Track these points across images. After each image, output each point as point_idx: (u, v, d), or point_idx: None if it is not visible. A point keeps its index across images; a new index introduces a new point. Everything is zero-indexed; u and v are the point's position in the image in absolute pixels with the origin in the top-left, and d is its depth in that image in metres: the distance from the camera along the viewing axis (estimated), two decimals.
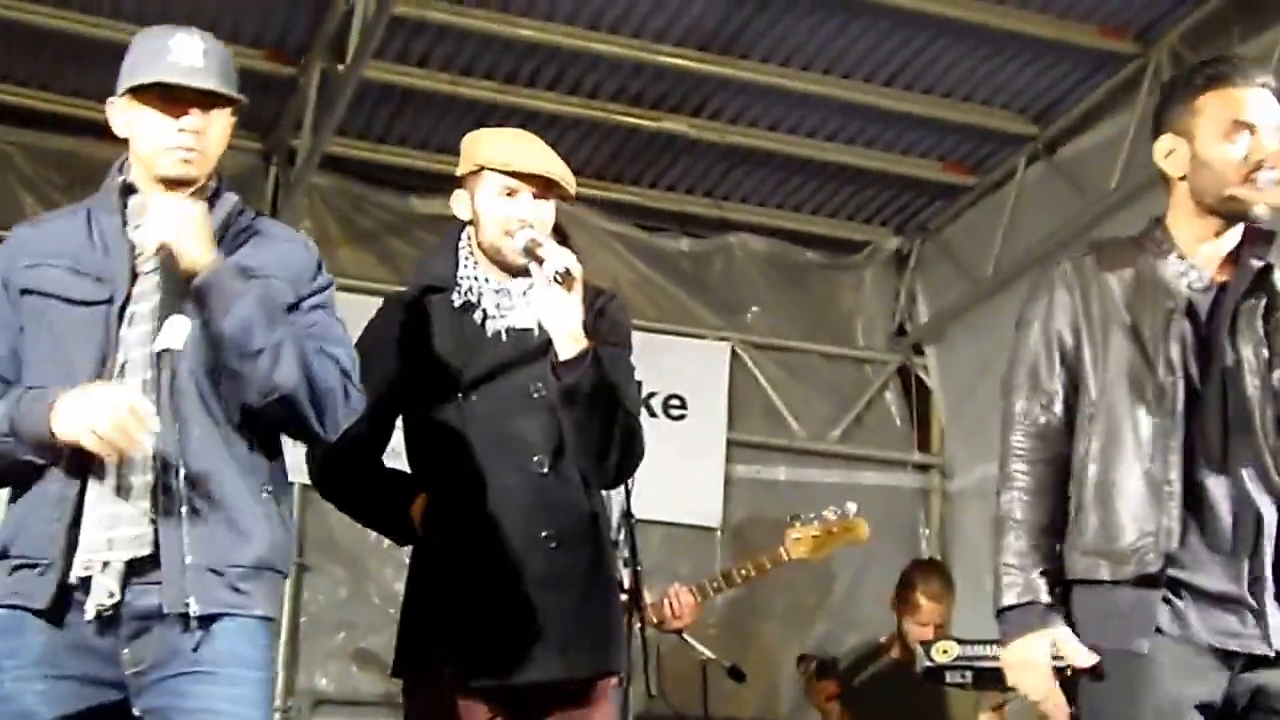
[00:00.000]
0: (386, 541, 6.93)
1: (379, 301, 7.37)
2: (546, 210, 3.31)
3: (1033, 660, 2.91)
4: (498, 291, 3.31)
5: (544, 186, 3.30)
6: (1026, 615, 2.91)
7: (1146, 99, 6.27)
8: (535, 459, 3.24)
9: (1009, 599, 2.93)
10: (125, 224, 2.90)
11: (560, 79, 6.64)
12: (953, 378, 7.80)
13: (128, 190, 2.94)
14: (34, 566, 2.76)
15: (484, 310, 3.31)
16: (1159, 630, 2.82)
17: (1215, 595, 2.83)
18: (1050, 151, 6.95)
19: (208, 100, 2.89)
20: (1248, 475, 2.87)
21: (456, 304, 3.33)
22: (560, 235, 3.40)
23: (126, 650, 2.75)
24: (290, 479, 6.95)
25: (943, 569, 6.23)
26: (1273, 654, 2.82)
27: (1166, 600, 2.82)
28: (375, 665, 6.84)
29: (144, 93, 2.88)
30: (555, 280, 3.08)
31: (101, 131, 7.08)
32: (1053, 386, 2.98)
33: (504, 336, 3.29)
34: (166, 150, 2.87)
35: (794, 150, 7.13)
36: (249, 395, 2.79)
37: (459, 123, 6.93)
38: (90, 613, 2.73)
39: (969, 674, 5.57)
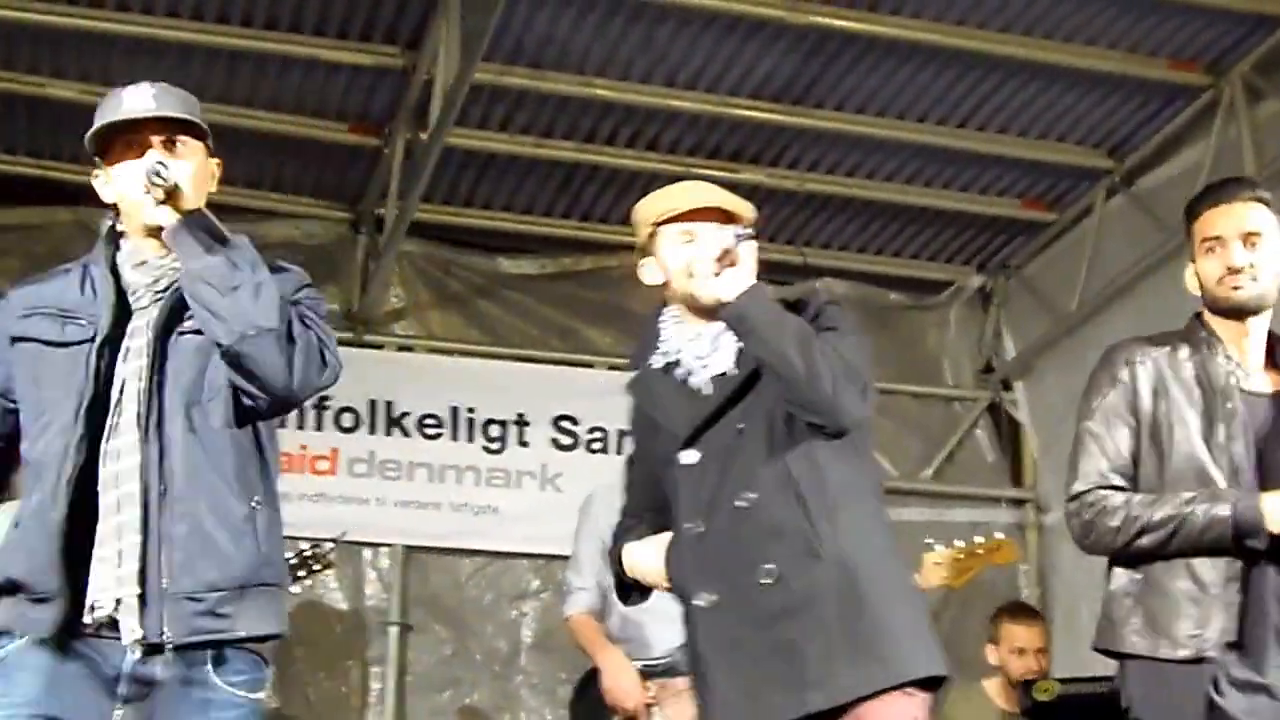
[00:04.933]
0: (488, 598, 7.21)
1: (468, 362, 7.63)
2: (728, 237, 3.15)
3: None
4: (691, 341, 3.20)
5: (719, 218, 3.17)
6: None
7: (1222, 128, 6.31)
8: (742, 494, 3.08)
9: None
10: (117, 269, 2.95)
11: (639, 136, 6.77)
12: (1042, 412, 7.80)
13: (116, 235, 2.98)
14: (40, 600, 2.80)
15: (685, 366, 3.21)
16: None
17: (1256, 685, 3.21)
18: (1128, 184, 6.96)
19: (168, 138, 2.91)
20: None
21: (658, 367, 3.25)
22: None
23: (121, 712, 2.77)
24: (394, 541, 6.93)
25: (1026, 605, 6.22)
26: None
27: (1214, 683, 3.21)
28: None
29: (111, 150, 2.93)
30: (720, 262, 3.05)
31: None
32: (1117, 480, 3.39)
33: (706, 387, 3.18)
34: (133, 189, 2.88)
35: (873, 195, 7.20)
36: (227, 335, 2.78)
37: (543, 184, 7.11)
38: (136, 651, 2.76)
39: (1074, 713, 5.57)
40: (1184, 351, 3.41)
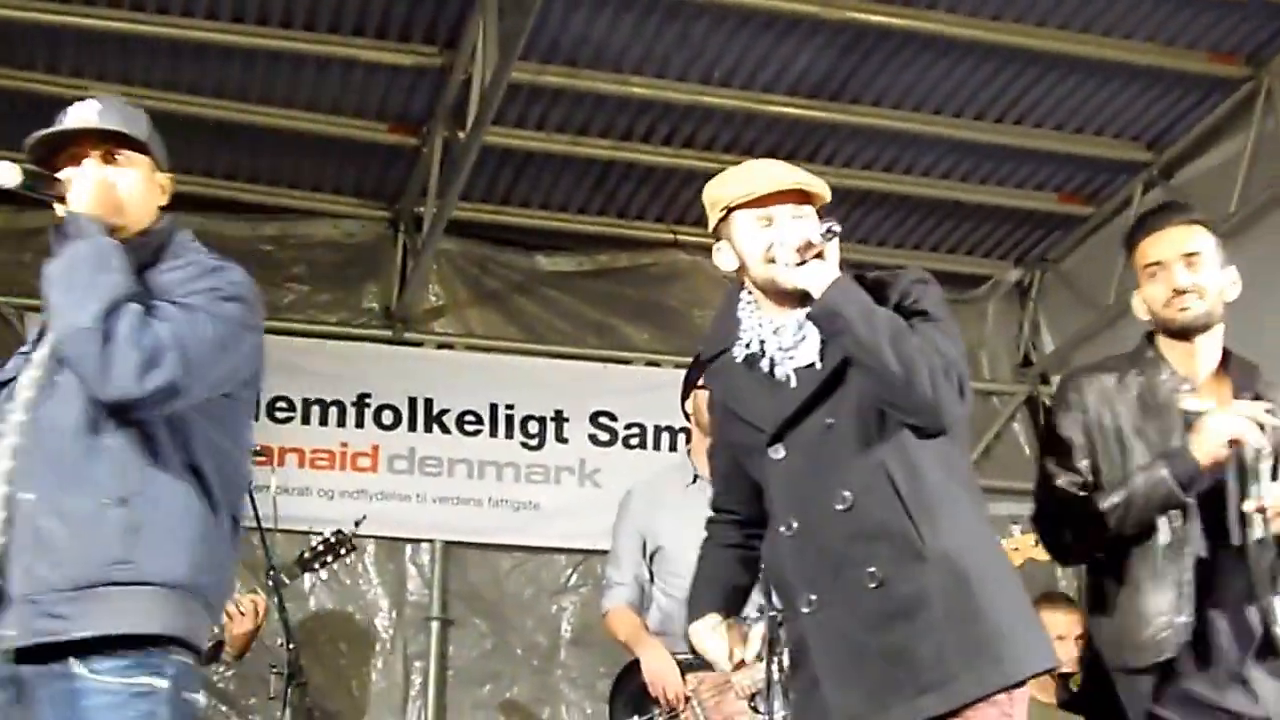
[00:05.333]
0: (528, 593, 7.26)
1: (506, 359, 7.67)
2: (807, 221, 3.06)
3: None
4: (776, 331, 3.10)
5: (796, 199, 3.08)
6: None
7: (1261, 119, 6.30)
8: (839, 494, 3.00)
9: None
10: None
11: (675, 133, 6.80)
12: None
13: None
14: None
15: (768, 357, 3.11)
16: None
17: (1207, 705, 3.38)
18: (1166, 177, 6.95)
19: (106, 150, 3.04)
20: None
21: (740, 358, 3.15)
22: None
23: (15, 710, 2.86)
24: (434, 536, 6.99)
25: (1061, 593, 6.23)
26: None
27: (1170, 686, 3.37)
28: (521, 715, 7.00)
29: (57, 164, 3.03)
30: (803, 252, 2.97)
31: (229, 208, 7.35)
32: (1084, 471, 3.59)
33: (793, 380, 3.08)
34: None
35: (909, 190, 7.20)
36: (57, 333, 2.87)
37: (579, 181, 7.14)
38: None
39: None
40: (1131, 373, 3.57)
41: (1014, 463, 7.98)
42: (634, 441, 7.32)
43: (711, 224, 3.17)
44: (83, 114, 3.07)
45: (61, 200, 2.96)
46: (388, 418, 7.11)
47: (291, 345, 6.98)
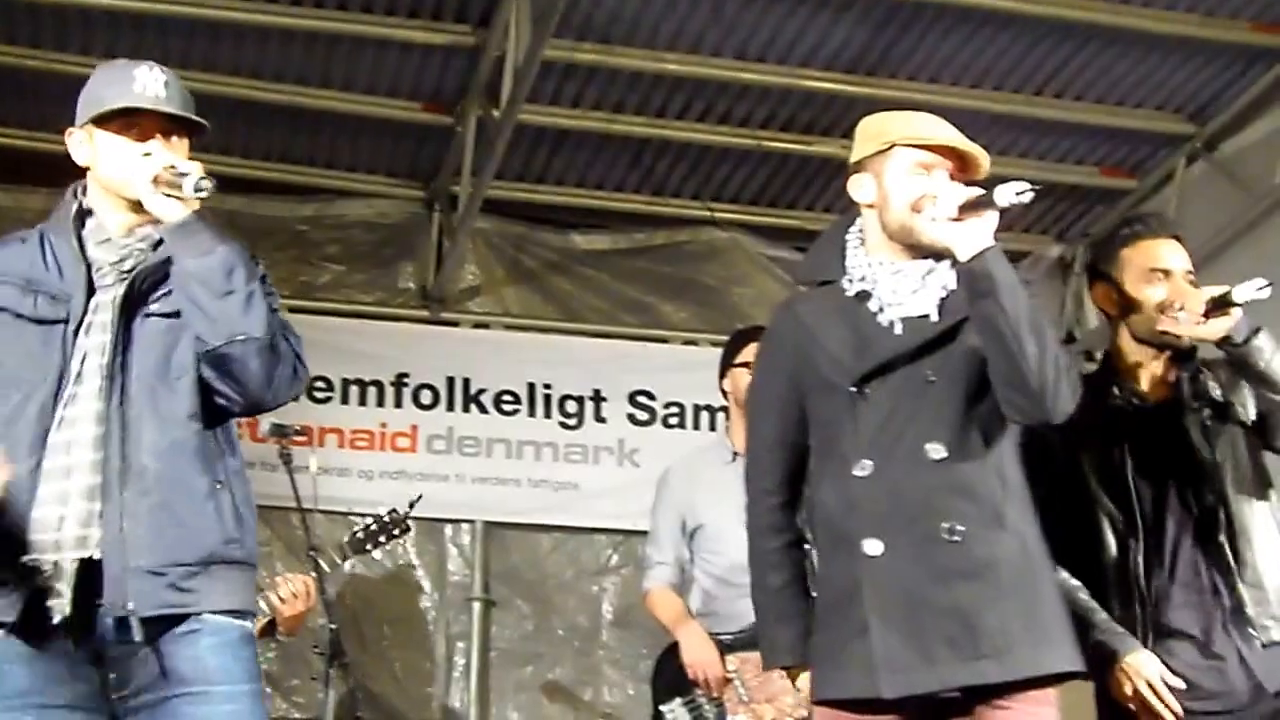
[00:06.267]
0: (568, 574, 7.25)
1: (544, 339, 7.65)
2: (958, 186, 3.03)
3: None
4: (894, 274, 3.07)
5: (958, 164, 3.08)
6: None
7: None
8: (929, 446, 2.97)
9: None
10: (82, 245, 2.99)
11: (711, 110, 6.76)
12: None
13: (83, 214, 3.03)
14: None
15: (879, 299, 3.07)
16: None
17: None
18: (1210, 150, 6.88)
19: (168, 129, 2.99)
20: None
21: (849, 293, 3.11)
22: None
23: (113, 675, 2.85)
24: (474, 517, 6.97)
25: None
26: None
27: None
28: (563, 697, 7.01)
29: (107, 122, 2.97)
30: (964, 210, 2.94)
31: (265, 188, 7.28)
32: None
33: (898, 326, 3.05)
34: (139, 174, 2.91)
35: None
36: (214, 336, 2.85)
37: (614, 160, 7.11)
38: (56, 618, 2.81)
39: None
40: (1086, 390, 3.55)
41: None
42: (673, 421, 7.29)
43: (862, 153, 3.13)
44: (155, 87, 2.97)
45: (175, 187, 2.89)
46: (426, 397, 7.11)
47: (328, 325, 6.98)
